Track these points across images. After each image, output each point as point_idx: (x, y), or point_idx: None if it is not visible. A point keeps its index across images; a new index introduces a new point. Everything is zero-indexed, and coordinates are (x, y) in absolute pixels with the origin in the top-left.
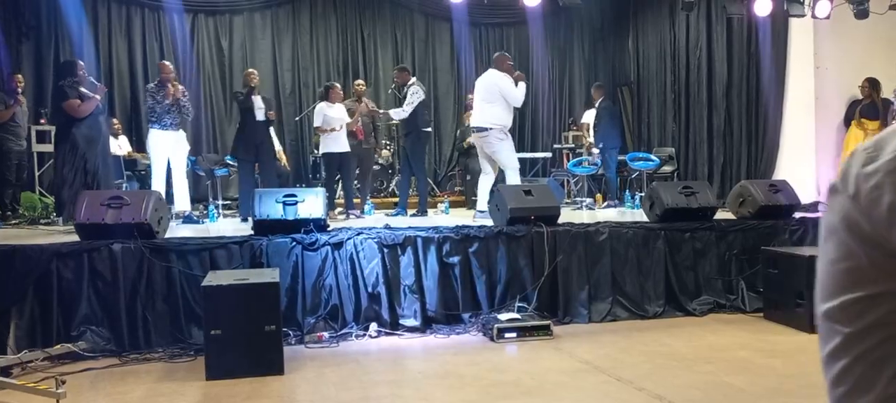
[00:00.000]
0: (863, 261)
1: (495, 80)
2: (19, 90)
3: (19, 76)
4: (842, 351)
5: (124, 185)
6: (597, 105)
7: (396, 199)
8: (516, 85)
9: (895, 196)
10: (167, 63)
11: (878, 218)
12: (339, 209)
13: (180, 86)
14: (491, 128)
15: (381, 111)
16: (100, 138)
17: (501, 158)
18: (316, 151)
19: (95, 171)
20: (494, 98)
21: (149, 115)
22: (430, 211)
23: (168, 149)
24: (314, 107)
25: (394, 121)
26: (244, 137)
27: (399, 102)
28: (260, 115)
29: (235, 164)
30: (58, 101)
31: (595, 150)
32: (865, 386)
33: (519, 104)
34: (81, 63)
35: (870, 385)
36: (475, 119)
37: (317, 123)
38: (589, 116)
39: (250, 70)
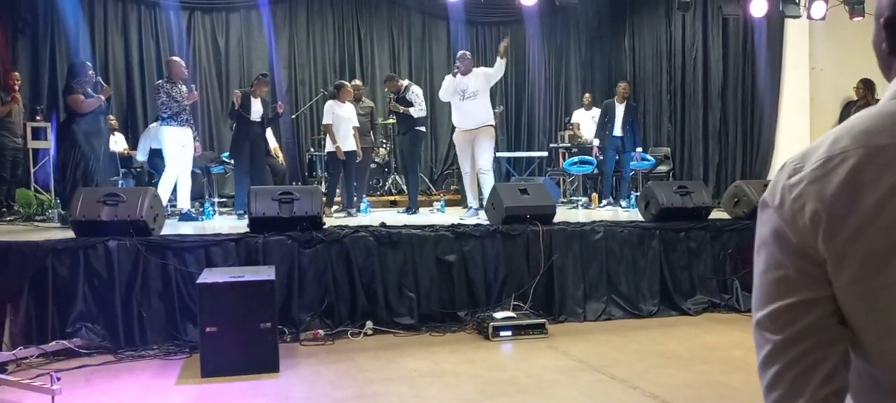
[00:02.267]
0: (790, 271)
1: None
2: (16, 87)
3: (15, 73)
4: (773, 358)
5: (120, 182)
6: (626, 103)
7: (393, 197)
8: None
9: (817, 205)
10: (179, 60)
11: (802, 227)
12: (336, 207)
13: (195, 94)
14: None
15: (401, 109)
16: (100, 135)
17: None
18: (312, 149)
19: (94, 168)
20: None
21: (162, 111)
22: (426, 210)
23: (182, 146)
24: (320, 104)
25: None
26: (240, 135)
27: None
28: (256, 117)
29: (232, 162)
30: (63, 97)
31: (638, 150)
32: (796, 392)
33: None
34: (89, 64)
35: (800, 391)
36: (485, 115)
37: (326, 120)
38: (579, 116)
39: (262, 76)
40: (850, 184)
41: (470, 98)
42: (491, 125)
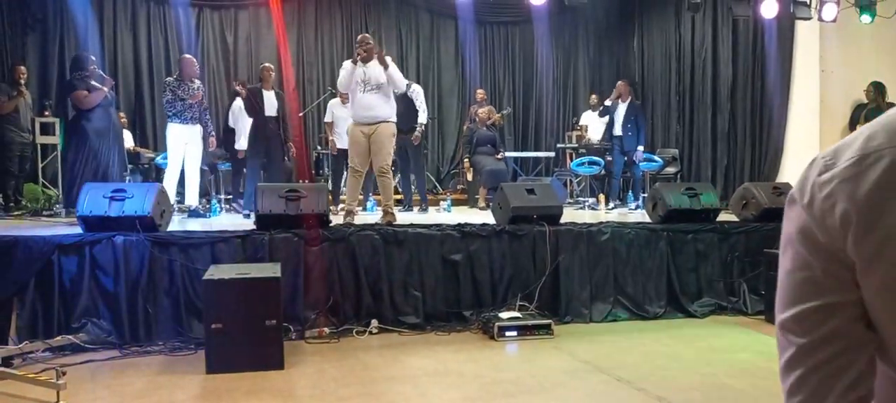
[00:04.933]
0: (817, 272)
1: None
2: (22, 82)
3: (22, 68)
4: (797, 362)
5: (128, 178)
6: (628, 103)
7: (398, 197)
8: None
9: (849, 205)
10: (192, 58)
11: (831, 227)
12: (342, 205)
13: (200, 93)
14: None
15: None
16: (110, 129)
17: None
18: (319, 147)
19: (107, 164)
20: None
21: (168, 109)
22: (432, 209)
23: (185, 144)
24: (327, 102)
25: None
26: (256, 133)
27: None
28: (270, 111)
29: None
30: (66, 94)
31: (640, 148)
32: (819, 397)
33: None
34: (93, 58)
35: (823, 397)
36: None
37: (326, 119)
38: (587, 118)
39: (267, 65)
40: (883, 185)
41: (372, 90)
42: (393, 122)
